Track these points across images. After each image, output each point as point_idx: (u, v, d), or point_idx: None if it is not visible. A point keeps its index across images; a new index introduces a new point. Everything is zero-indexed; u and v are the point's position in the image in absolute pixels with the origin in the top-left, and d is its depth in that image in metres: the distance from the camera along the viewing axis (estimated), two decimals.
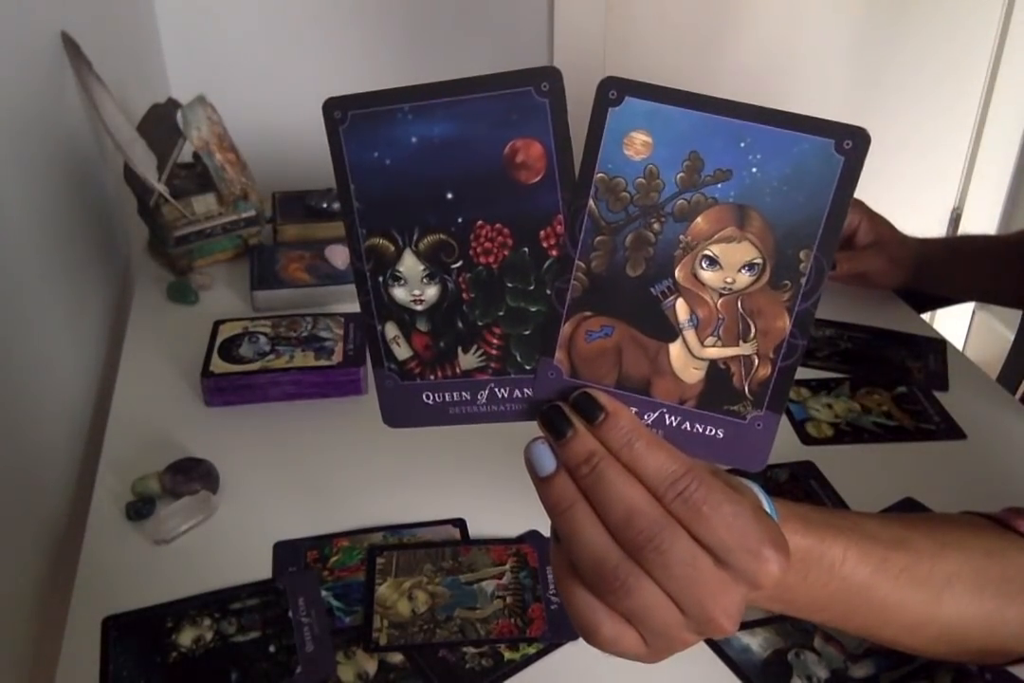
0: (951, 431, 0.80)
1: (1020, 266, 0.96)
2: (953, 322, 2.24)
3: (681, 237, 0.37)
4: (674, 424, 0.40)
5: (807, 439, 0.79)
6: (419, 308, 0.41)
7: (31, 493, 0.71)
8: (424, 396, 0.42)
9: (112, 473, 0.74)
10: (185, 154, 1.02)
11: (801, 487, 0.73)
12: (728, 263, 0.37)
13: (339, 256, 1.00)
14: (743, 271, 0.37)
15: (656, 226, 0.37)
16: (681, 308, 0.38)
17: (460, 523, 0.70)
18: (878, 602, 0.44)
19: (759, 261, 0.37)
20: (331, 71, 1.76)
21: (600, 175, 0.37)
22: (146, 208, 1.01)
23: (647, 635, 0.38)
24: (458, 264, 0.39)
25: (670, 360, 0.39)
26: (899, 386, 0.86)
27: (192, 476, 0.71)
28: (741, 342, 0.39)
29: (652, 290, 0.38)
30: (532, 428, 0.39)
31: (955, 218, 2.25)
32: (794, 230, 0.37)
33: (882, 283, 1.02)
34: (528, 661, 0.59)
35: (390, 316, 0.41)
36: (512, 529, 0.69)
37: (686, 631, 0.38)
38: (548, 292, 0.39)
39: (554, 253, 0.38)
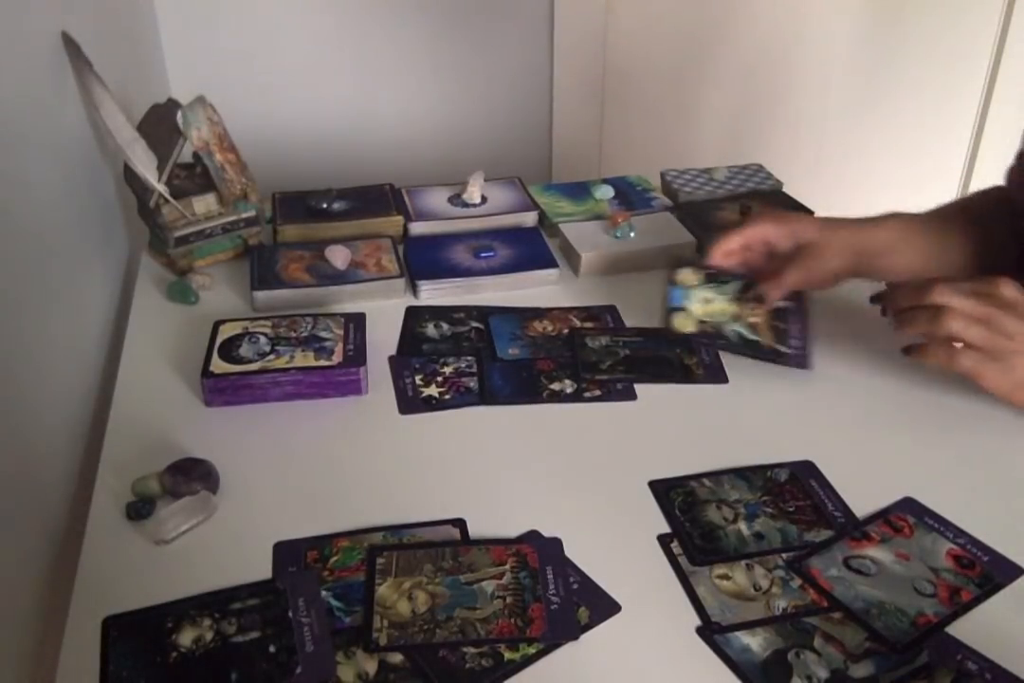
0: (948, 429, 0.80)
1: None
2: None
3: None
4: None
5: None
6: None
7: (31, 493, 0.71)
8: None
9: (112, 473, 0.74)
10: (185, 154, 1.02)
11: (801, 487, 0.73)
12: None
13: (339, 256, 1.00)
14: None
15: None
16: None
17: (460, 523, 0.70)
18: None
19: None
20: (331, 72, 1.76)
21: None
22: (146, 208, 1.01)
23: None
24: None
25: None
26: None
27: (192, 476, 0.71)
28: None
29: None
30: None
31: None
32: None
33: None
34: (528, 661, 0.59)
35: None
36: (512, 529, 0.69)
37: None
38: None
39: None
